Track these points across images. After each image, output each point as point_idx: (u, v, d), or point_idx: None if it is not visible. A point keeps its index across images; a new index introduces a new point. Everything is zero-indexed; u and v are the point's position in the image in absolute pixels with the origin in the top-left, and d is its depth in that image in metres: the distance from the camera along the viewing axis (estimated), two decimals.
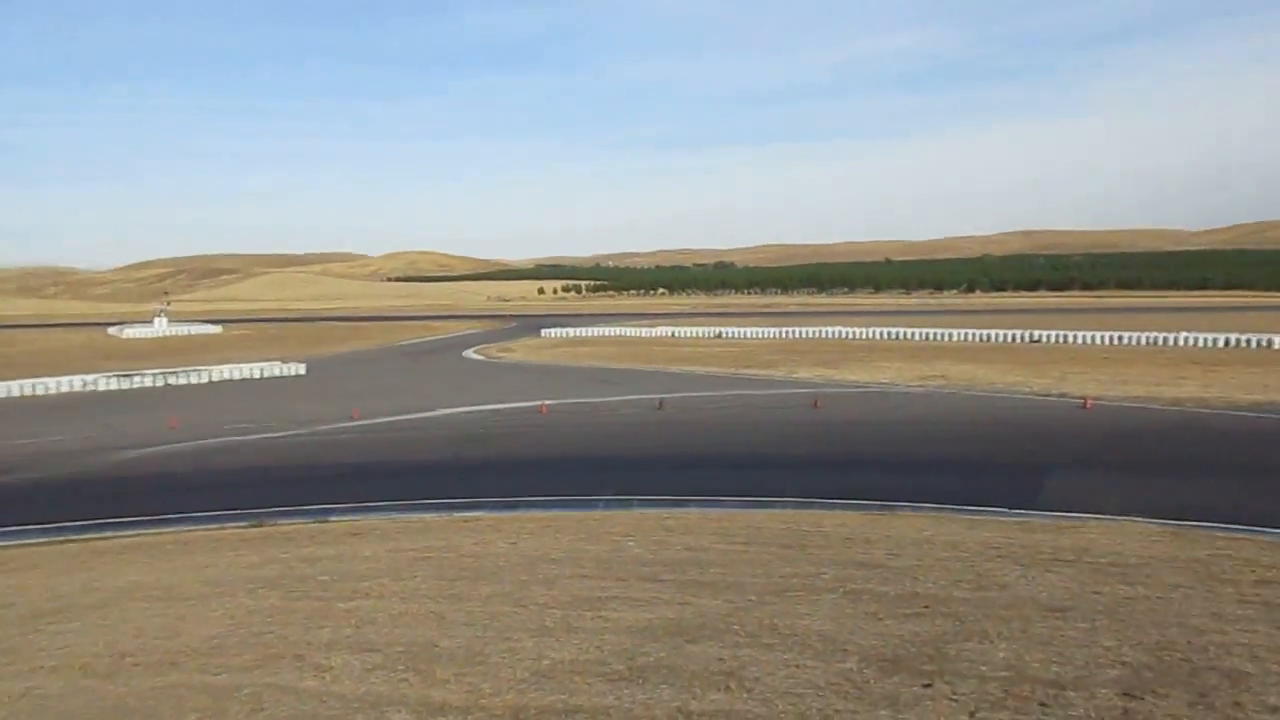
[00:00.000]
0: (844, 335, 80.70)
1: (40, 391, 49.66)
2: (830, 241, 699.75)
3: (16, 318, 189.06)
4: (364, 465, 27.21)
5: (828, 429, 31.23)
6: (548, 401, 38.44)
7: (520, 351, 72.97)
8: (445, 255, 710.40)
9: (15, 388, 49.24)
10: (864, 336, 78.79)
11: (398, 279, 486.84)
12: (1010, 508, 18.30)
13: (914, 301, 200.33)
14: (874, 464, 25.25)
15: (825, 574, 11.42)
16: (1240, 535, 14.73)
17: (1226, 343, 62.77)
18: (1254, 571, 11.51)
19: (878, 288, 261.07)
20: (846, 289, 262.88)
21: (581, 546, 13.78)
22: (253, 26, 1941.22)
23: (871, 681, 7.44)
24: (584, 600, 10.29)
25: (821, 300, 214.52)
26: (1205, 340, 63.90)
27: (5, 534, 19.14)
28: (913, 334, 77.70)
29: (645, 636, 8.79)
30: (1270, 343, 61.03)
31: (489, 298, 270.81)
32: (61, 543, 17.92)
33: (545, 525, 16.32)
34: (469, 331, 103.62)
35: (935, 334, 76.05)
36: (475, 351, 73.52)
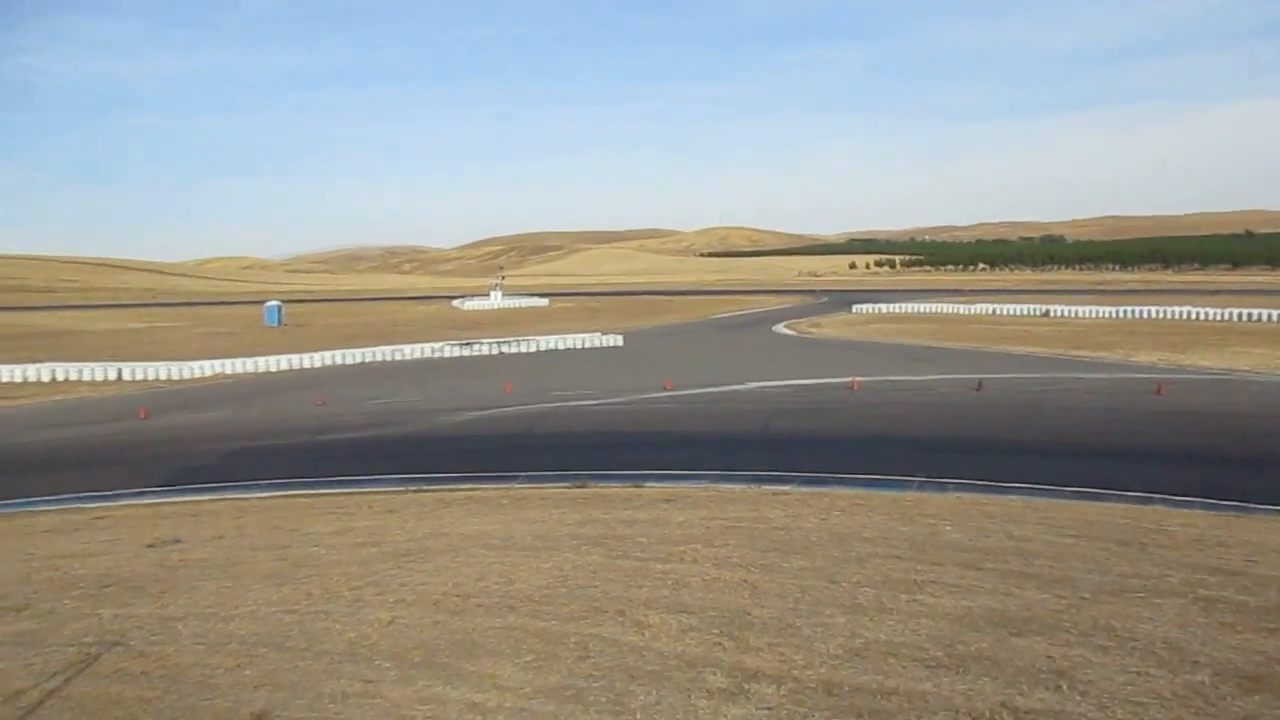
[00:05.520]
0: (1193, 316, 72.53)
1: (398, 357, 55.92)
2: (1177, 213, 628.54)
3: (379, 291, 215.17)
4: (676, 434, 28.14)
5: (1174, 418, 28.26)
6: (859, 378, 37.78)
7: (830, 327, 72.20)
8: (756, 230, 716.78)
9: (379, 354, 55.98)
10: (1218, 318, 70.35)
11: (710, 254, 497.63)
12: None
13: None
14: (1230, 460, 22.54)
15: (1171, 576, 10.40)
16: None
17: None
18: None
19: (1236, 264, 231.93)
20: (1197, 265, 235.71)
21: (894, 527, 13.45)
22: (568, 20, 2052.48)
23: (1228, 698, 6.71)
24: (898, 582, 10.04)
25: (1167, 277, 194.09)
26: None
27: (371, 480, 21.77)
28: None
29: (965, 625, 8.44)
30: None
31: (800, 273, 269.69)
32: (415, 491, 20.04)
33: (856, 503, 16.08)
34: (779, 306, 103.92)
35: None
36: (785, 326, 73.64)
